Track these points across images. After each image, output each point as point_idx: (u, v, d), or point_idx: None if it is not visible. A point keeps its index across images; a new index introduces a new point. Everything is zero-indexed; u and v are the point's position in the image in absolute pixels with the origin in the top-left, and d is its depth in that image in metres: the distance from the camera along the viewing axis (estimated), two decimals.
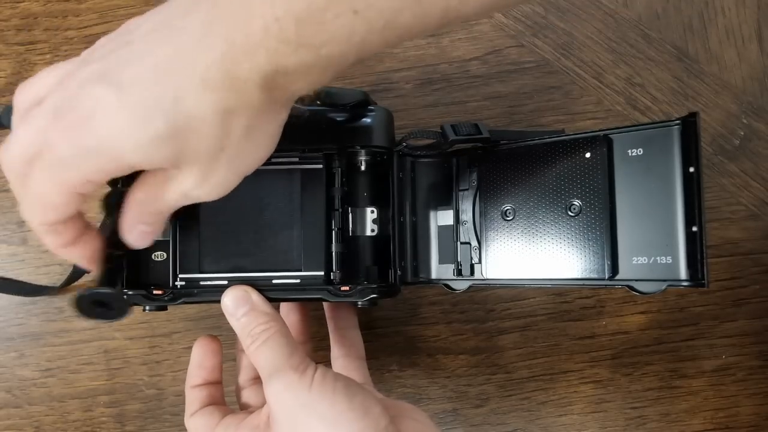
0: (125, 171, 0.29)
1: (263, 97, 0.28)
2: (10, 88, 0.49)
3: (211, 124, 0.27)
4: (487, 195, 0.40)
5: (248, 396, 0.41)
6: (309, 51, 0.26)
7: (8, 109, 0.48)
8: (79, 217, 0.33)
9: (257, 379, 0.40)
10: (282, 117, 0.31)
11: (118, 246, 0.34)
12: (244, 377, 0.41)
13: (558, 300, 0.49)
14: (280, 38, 0.26)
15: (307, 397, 0.33)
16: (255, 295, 0.37)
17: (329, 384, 0.33)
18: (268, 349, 0.35)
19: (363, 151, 0.40)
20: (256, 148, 0.31)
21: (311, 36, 0.26)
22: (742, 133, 0.48)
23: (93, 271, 0.34)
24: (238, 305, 0.37)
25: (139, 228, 0.33)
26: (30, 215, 0.31)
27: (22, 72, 0.49)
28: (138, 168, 0.29)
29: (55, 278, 0.48)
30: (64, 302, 0.48)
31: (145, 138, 0.27)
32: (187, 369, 0.48)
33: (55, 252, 0.33)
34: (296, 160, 0.40)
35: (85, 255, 0.34)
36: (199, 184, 0.30)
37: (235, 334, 0.49)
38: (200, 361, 0.40)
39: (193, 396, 0.39)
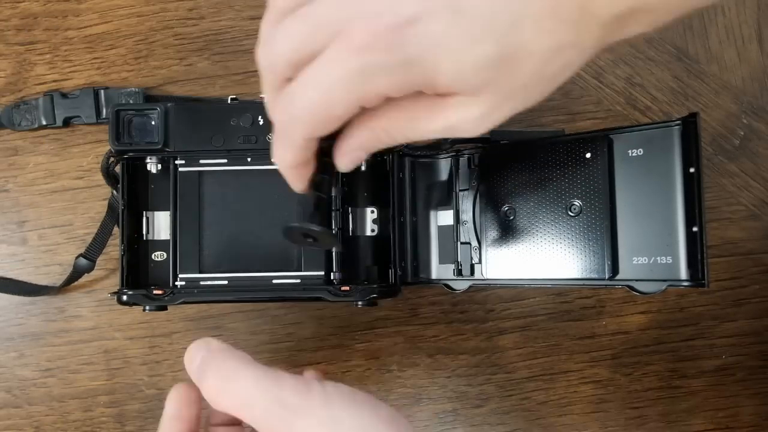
0: (410, 90, 0.26)
1: (598, 37, 0.27)
2: (10, 88, 0.49)
3: (539, 60, 0.26)
4: (488, 195, 0.40)
5: None
6: None
7: (8, 109, 0.48)
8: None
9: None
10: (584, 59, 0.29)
11: (325, 169, 0.31)
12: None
13: (558, 300, 0.48)
14: None
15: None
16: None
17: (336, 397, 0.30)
18: (288, 379, 0.30)
19: None
20: (549, 87, 0.28)
21: None
22: (742, 133, 0.48)
23: (303, 191, 0.32)
24: (193, 357, 0.32)
25: (358, 154, 0.30)
26: (293, 123, 0.28)
27: (22, 72, 0.49)
28: (436, 90, 0.27)
29: (54, 278, 0.48)
30: (64, 302, 0.48)
31: (468, 59, 0.26)
32: (187, 368, 0.48)
33: (286, 169, 0.30)
34: None
35: (305, 178, 0.31)
36: (481, 118, 0.28)
37: (234, 335, 0.49)
38: (176, 412, 0.34)
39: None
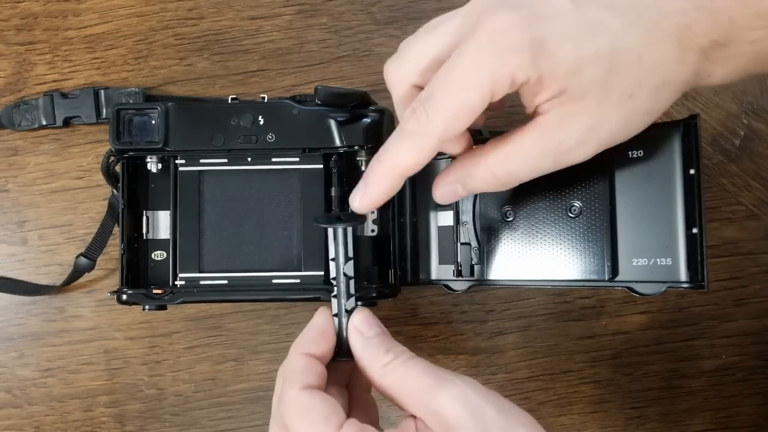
0: (536, 76, 0.29)
1: (696, 62, 0.30)
2: (10, 88, 0.49)
3: (646, 66, 0.29)
4: (488, 196, 0.40)
5: None
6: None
7: (8, 109, 0.48)
8: None
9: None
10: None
11: None
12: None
13: (558, 300, 0.49)
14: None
15: (486, 393, 0.30)
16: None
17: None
18: (420, 362, 0.31)
19: (363, 151, 0.40)
20: (649, 105, 0.31)
21: None
22: (742, 133, 0.48)
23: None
24: (372, 324, 0.34)
25: (455, 187, 0.35)
26: (432, 122, 0.30)
27: (22, 72, 0.49)
28: (551, 83, 0.29)
29: (54, 278, 0.48)
30: (64, 302, 0.48)
31: (587, 49, 0.29)
32: (187, 369, 0.48)
33: (397, 174, 0.32)
34: (296, 160, 0.40)
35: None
36: (588, 131, 0.31)
37: (234, 335, 0.49)
38: (324, 328, 0.34)
39: (310, 366, 0.32)
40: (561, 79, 0.29)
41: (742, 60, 0.31)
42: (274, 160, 0.40)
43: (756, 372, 0.48)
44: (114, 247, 0.47)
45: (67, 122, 0.48)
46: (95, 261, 0.46)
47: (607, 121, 0.31)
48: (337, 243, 0.35)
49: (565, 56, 0.29)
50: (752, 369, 0.48)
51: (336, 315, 0.34)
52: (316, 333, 0.34)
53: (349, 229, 0.35)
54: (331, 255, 0.35)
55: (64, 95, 0.47)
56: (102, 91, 0.48)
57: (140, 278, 0.41)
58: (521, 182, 0.33)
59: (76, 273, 0.46)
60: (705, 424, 0.48)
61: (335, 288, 0.34)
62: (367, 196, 0.33)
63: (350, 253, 0.35)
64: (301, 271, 0.40)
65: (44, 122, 0.47)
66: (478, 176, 0.33)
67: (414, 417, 0.31)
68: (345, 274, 0.34)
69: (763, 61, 0.31)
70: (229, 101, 0.40)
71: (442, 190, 0.35)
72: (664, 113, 0.49)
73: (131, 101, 0.47)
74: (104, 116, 0.47)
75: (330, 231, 0.35)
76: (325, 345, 0.34)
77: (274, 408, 0.33)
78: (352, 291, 0.34)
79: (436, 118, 0.30)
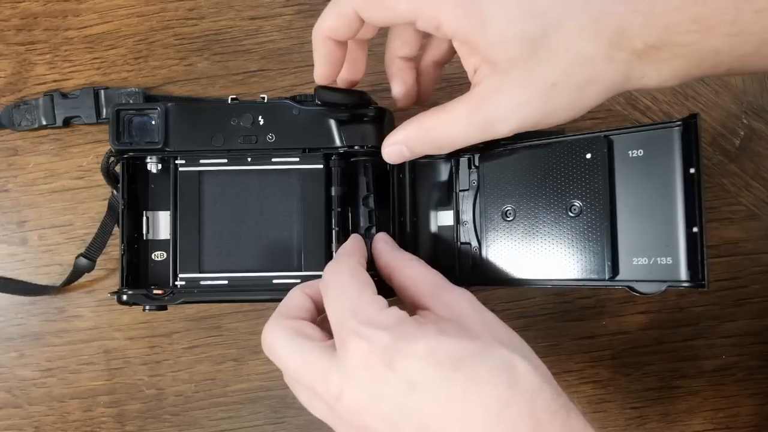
0: (442, 34, 0.33)
1: (628, 63, 0.31)
2: (10, 88, 0.49)
3: (573, 59, 0.31)
4: (488, 195, 0.40)
5: None
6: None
7: (8, 109, 0.48)
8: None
9: None
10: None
11: None
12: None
13: (558, 300, 0.49)
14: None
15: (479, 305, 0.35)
16: None
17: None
18: (431, 270, 0.36)
19: (363, 151, 0.40)
20: (573, 99, 0.33)
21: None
22: (743, 133, 0.48)
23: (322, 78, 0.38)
24: (389, 239, 0.39)
25: (400, 148, 0.37)
26: None
27: (22, 72, 0.49)
28: (480, 45, 0.32)
29: (54, 278, 0.48)
30: (64, 302, 0.48)
31: (516, 26, 0.31)
32: (187, 369, 0.48)
33: (318, 36, 0.36)
34: (296, 160, 0.40)
35: (331, 63, 0.37)
36: (512, 109, 0.33)
37: (234, 335, 0.49)
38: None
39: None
40: (488, 49, 0.32)
41: (678, 63, 0.31)
42: (274, 160, 0.40)
43: (756, 372, 0.48)
44: (114, 247, 0.47)
45: (67, 122, 0.48)
46: (95, 261, 0.46)
47: (528, 103, 0.32)
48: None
49: (495, 28, 0.31)
50: (752, 369, 0.48)
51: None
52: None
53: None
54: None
55: (64, 95, 0.47)
56: (102, 91, 0.47)
57: (140, 279, 0.41)
58: (456, 148, 0.36)
59: (76, 273, 0.46)
60: (705, 424, 0.48)
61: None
62: (315, 67, 0.37)
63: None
64: (301, 271, 0.40)
65: (44, 122, 0.47)
66: (419, 139, 0.36)
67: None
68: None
69: (700, 65, 0.31)
70: (229, 101, 0.40)
71: (389, 150, 0.37)
72: (664, 113, 0.49)
73: (131, 101, 0.47)
74: (104, 116, 0.47)
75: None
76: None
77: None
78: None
79: None
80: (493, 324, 0.34)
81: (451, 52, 0.39)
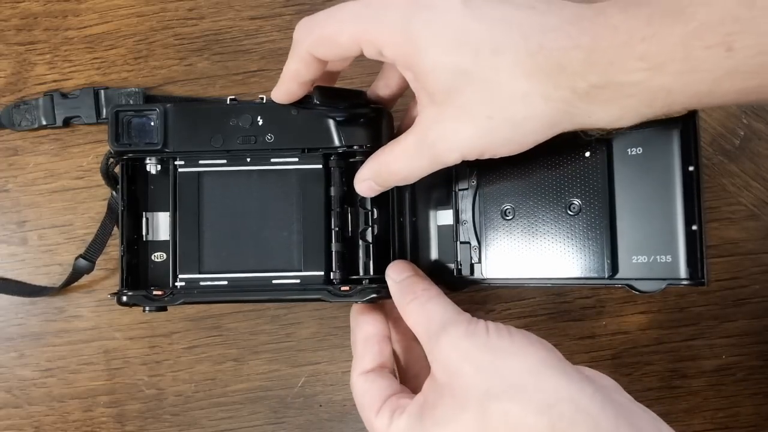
0: (387, 58, 0.33)
1: (568, 102, 0.30)
2: (10, 88, 0.49)
3: (507, 95, 0.30)
4: (487, 194, 0.40)
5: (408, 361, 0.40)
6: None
7: (8, 110, 0.48)
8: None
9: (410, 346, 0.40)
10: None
11: None
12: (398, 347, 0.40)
13: (558, 300, 0.49)
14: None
15: (486, 339, 0.31)
16: (417, 268, 0.38)
17: (503, 329, 0.32)
18: (437, 305, 0.34)
19: (362, 151, 0.40)
20: (511, 134, 0.32)
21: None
22: (742, 133, 0.48)
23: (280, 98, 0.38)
24: (403, 270, 0.37)
25: (369, 184, 0.37)
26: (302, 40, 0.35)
27: (22, 72, 0.49)
28: (404, 69, 0.33)
29: (54, 278, 0.48)
30: (64, 302, 0.48)
31: (448, 59, 0.30)
32: (187, 369, 0.48)
33: (285, 76, 0.37)
34: (295, 160, 0.40)
35: (291, 92, 0.38)
36: (453, 134, 0.33)
37: (234, 335, 0.49)
38: (363, 313, 0.39)
39: (365, 349, 0.37)
40: (423, 77, 0.31)
41: (627, 102, 0.29)
42: (273, 160, 0.40)
43: (756, 372, 0.48)
44: (114, 247, 0.47)
45: (67, 122, 0.48)
46: (94, 263, 0.46)
47: (466, 133, 0.32)
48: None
49: (429, 57, 0.30)
50: (752, 369, 0.48)
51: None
52: (359, 321, 0.38)
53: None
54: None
55: (64, 95, 0.48)
56: (102, 91, 0.48)
57: (140, 280, 0.41)
58: (418, 179, 0.35)
59: (75, 275, 0.46)
60: (705, 424, 0.48)
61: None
62: (278, 89, 0.38)
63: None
64: (301, 271, 0.40)
65: (44, 122, 0.47)
66: (381, 174, 0.36)
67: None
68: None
69: (652, 104, 0.29)
70: (228, 102, 0.40)
71: (360, 187, 0.38)
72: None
73: (131, 101, 0.47)
74: (104, 116, 0.47)
75: None
76: (374, 327, 0.38)
77: None
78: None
79: (310, 35, 0.34)
80: (492, 365, 0.30)
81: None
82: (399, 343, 0.40)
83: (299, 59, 0.35)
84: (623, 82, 0.28)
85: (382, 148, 0.36)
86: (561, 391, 0.29)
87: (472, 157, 0.33)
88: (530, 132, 0.31)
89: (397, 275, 0.37)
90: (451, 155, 0.33)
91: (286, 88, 0.37)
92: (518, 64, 0.29)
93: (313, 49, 0.34)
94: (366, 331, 0.37)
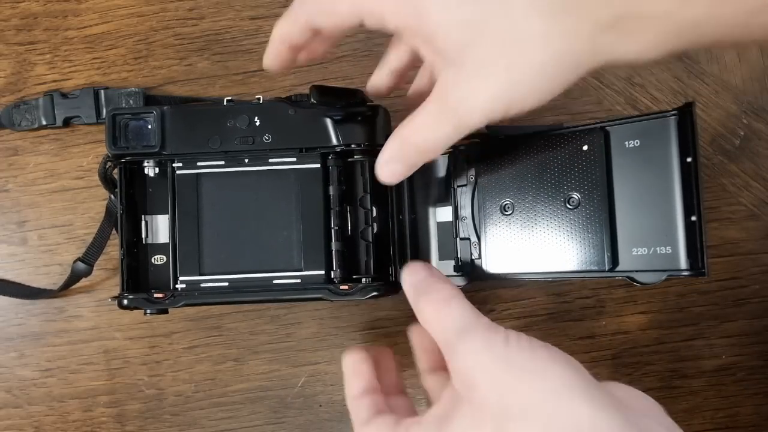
0: (390, 29, 0.31)
1: (592, 36, 0.28)
2: (10, 88, 0.49)
3: (529, 41, 0.28)
4: (486, 190, 0.40)
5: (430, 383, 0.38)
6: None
7: (8, 110, 0.48)
8: None
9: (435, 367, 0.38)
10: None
11: None
12: (423, 365, 0.39)
13: (558, 300, 0.48)
14: None
15: (505, 352, 0.29)
16: (434, 268, 0.36)
17: (525, 341, 0.29)
18: (455, 308, 0.32)
19: (360, 150, 0.40)
20: (538, 81, 0.30)
21: None
22: (742, 134, 0.48)
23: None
24: (418, 271, 0.35)
25: (393, 166, 0.34)
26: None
27: (22, 72, 0.49)
28: (411, 36, 0.32)
29: (54, 279, 0.48)
30: (64, 302, 0.48)
31: (450, 16, 0.29)
32: (187, 369, 0.48)
33: (275, 39, 0.35)
34: (293, 160, 0.40)
35: (282, 58, 0.36)
36: (472, 94, 0.31)
37: (234, 335, 0.49)
38: (354, 368, 0.37)
39: (359, 405, 0.36)
40: (431, 38, 0.30)
41: (654, 33, 0.28)
42: (271, 160, 0.40)
43: (756, 372, 0.48)
44: (114, 247, 0.47)
45: (67, 122, 0.48)
46: (92, 266, 0.46)
47: (488, 90, 0.30)
48: None
49: (433, 16, 0.29)
50: (752, 369, 0.48)
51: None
52: (349, 377, 0.37)
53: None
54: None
55: (64, 95, 0.48)
56: (102, 91, 0.48)
57: (141, 283, 0.41)
58: (442, 150, 0.33)
59: (73, 278, 0.46)
60: (705, 424, 0.48)
61: None
62: (266, 56, 0.36)
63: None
64: (301, 270, 0.40)
65: (44, 122, 0.47)
66: (403, 150, 0.33)
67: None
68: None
69: (681, 35, 0.27)
70: (225, 103, 0.40)
71: (382, 173, 0.34)
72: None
73: (131, 101, 0.47)
74: (104, 116, 0.47)
75: None
76: (364, 382, 0.37)
77: None
78: None
79: (308, 1, 0.33)
80: (511, 384, 0.28)
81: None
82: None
83: (293, 22, 0.34)
84: (651, 12, 0.27)
85: (401, 124, 0.33)
86: (582, 419, 0.27)
87: (498, 115, 0.30)
88: (555, 76, 0.29)
89: (412, 277, 0.35)
90: (475, 116, 0.30)
91: (276, 51, 0.35)
92: (531, 5, 0.28)
93: (311, 16, 0.33)
94: (357, 387, 0.37)
